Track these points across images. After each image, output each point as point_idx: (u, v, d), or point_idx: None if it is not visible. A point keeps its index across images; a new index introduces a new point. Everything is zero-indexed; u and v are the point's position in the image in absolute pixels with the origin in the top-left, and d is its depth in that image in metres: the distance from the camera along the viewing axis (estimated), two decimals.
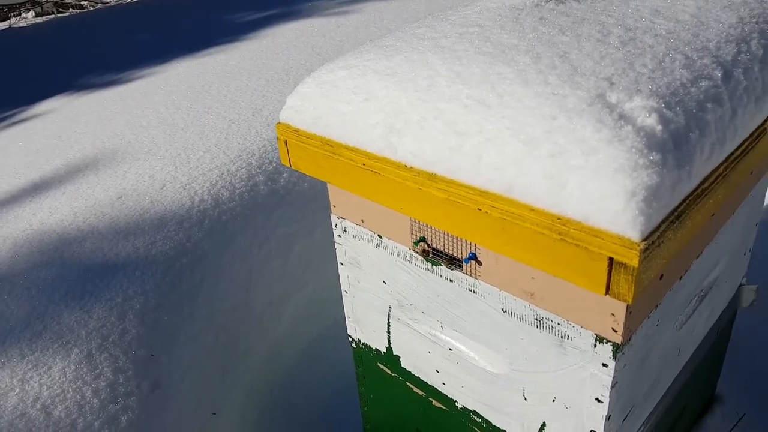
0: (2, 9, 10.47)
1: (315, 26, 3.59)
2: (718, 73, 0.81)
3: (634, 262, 0.65)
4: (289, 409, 1.61)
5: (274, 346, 1.73)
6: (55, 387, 1.37)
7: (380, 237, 1.09)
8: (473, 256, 0.93)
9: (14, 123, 3.16)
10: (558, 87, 0.74)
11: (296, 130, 1.02)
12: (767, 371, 1.63)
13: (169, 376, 1.46)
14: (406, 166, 0.86)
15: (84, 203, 1.94)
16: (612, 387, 0.85)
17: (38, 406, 1.33)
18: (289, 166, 1.09)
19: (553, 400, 0.94)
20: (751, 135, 0.88)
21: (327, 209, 2.07)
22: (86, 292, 1.58)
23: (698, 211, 0.76)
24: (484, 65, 0.82)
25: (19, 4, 10.68)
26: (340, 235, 1.18)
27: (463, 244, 0.93)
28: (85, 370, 1.41)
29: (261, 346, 1.71)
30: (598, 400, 0.87)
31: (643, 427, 1.08)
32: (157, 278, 1.63)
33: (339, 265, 1.23)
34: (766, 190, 1.28)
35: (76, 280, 1.63)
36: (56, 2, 11.27)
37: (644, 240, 0.65)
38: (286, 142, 1.05)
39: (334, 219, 1.17)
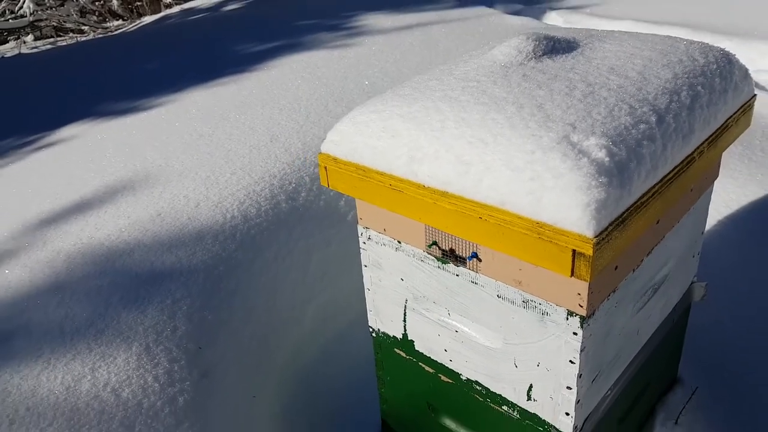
0: (2, 33, 10.72)
1: (319, 58, 3.89)
2: (653, 119, 1.10)
3: (589, 252, 0.94)
4: (314, 393, 1.88)
5: (298, 342, 2.00)
6: (121, 374, 1.63)
7: (399, 242, 1.37)
8: (475, 255, 1.21)
9: (40, 147, 3.42)
10: (536, 130, 1.03)
11: (335, 159, 1.30)
12: (721, 359, 1.91)
13: (215, 366, 1.72)
14: (424, 186, 1.14)
15: (127, 220, 2.20)
16: (581, 351, 1.13)
17: (108, 390, 1.59)
18: (327, 186, 1.37)
19: (538, 365, 1.22)
20: (681, 162, 1.17)
21: (340, 224, 2.34)
22: (139, 296, 1.84)
23: (639, 218, 1.05)
24: (482, 112, 1.11)
25: (18, 28, 10.93)
26: (365, 242, 1.46)
27: (467, 245, 1.22)
28: (145, 360, 1.67)
29: (287, 342, 1.97)
30: (571, 361, 1.15)
31: (610, 392, 1.35)
32: (200, 283, 1.89)
33: (363, 267, 1.51)
34: (708, 204, 1.58)
35: (129, 286, 1.89)
36: (55, 26, 11.53)
37: (596, 237, 0.94)
38: (326, 168, 1.33)
39: (360, 229, 1.45)
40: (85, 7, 11.05)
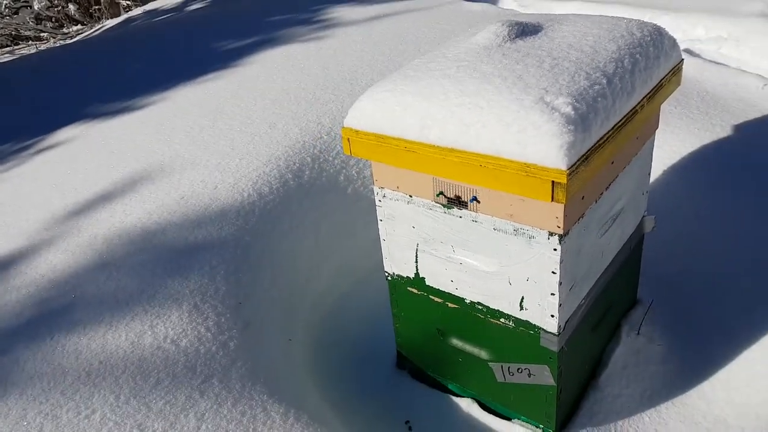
0: None
1: (297, 51, 4.16)
2: (604, 81, 1.45)
3: (564, 181, 1.28)
4: (336, 335, 2.21)
5: (318, 296, 2.31)
6: (177, 328, 1.92)
7: (410, 196, 1.69)
8: (475, 198, 1.55)
9: (42, 150, 3.61)
10: (518, 94, 1.36)
11: (357, 131, 1.62)
12: (671, 283, 2.30)
13: (254, 317, 2.02)
14: (434, 145, 1.47)
15: (153, 204, 2.47)
16: (561, 263, 1.48)
17: (168, 341, 1.88)
18: (350, 155, 1.68)
19: (527, 280, 1.56)
20: (627, 113, 1.52)
21: (342, 197, 2.65)
22: (181, 266, 2.13)
23: (598, 156, 1.40)
24: (476, 84, 1.44)
25: None
26: (380, 200, 1.78)
27: (468, 191, 1.55)
28: (195, 315, 1.96)
29: (309, 296, 2.29)
30: (553, 272, 1.50)
31: (584, 302, 1.71)
32: (231, 251, 2.19)
33: (379, 221, 1.83)
34: (652, 151, 1.94)
35: (169, 258, 2.17)
36: (12, 35, 11.40)
37: (568, 169, 1.28)
38: (349, 139, 1.64)
39: (376, 189, 1.76)
40: (41, 14, 10.98)
